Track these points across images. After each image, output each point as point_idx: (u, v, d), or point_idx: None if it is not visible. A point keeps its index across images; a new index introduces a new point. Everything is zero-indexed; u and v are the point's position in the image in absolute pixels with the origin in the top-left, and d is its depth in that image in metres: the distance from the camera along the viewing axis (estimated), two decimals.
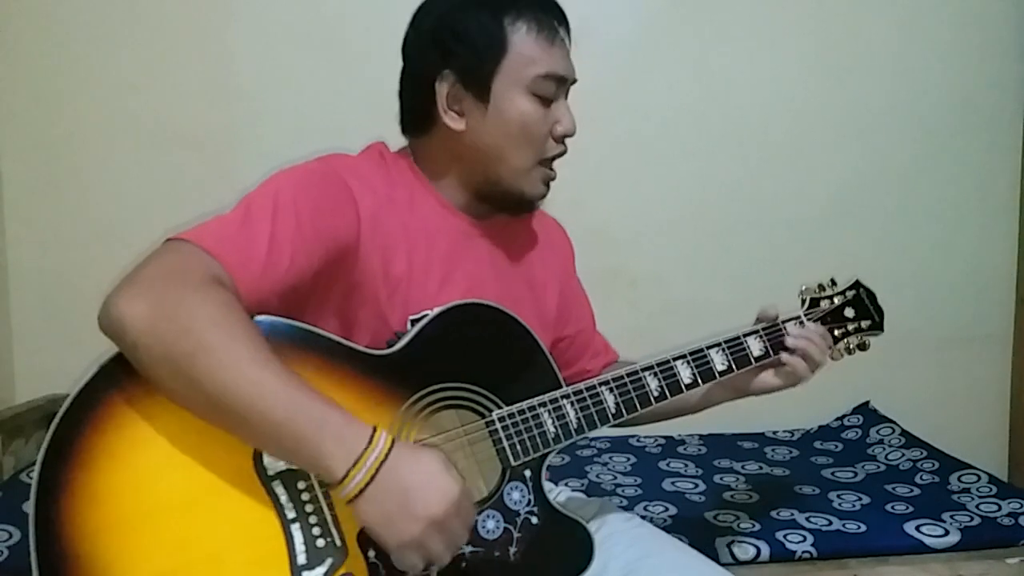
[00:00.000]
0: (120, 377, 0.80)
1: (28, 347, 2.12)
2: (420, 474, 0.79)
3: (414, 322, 0.97)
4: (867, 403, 2.28)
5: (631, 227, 2.25)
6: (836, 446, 2.15)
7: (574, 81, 1.07)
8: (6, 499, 1.56)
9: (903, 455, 2.01)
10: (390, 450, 0.79)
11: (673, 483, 1.83)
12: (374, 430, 0.79)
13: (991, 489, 1.74)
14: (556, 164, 1.09)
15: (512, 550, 0.95)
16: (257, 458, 0.83)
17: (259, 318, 0.85)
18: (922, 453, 1.99)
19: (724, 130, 2.29)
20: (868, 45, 2.30)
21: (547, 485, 1.00)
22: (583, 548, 0.98)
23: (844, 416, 2.27)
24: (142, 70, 2.11)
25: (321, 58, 2.14)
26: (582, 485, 1.80)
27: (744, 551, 1.45)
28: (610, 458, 2.01)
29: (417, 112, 1.07)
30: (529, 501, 0.97)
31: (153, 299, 0.77)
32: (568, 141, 1.08)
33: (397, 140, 1.11)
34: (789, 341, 1.12)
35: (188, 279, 0.80)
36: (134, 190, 2.11)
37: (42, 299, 2.11)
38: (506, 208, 1.10)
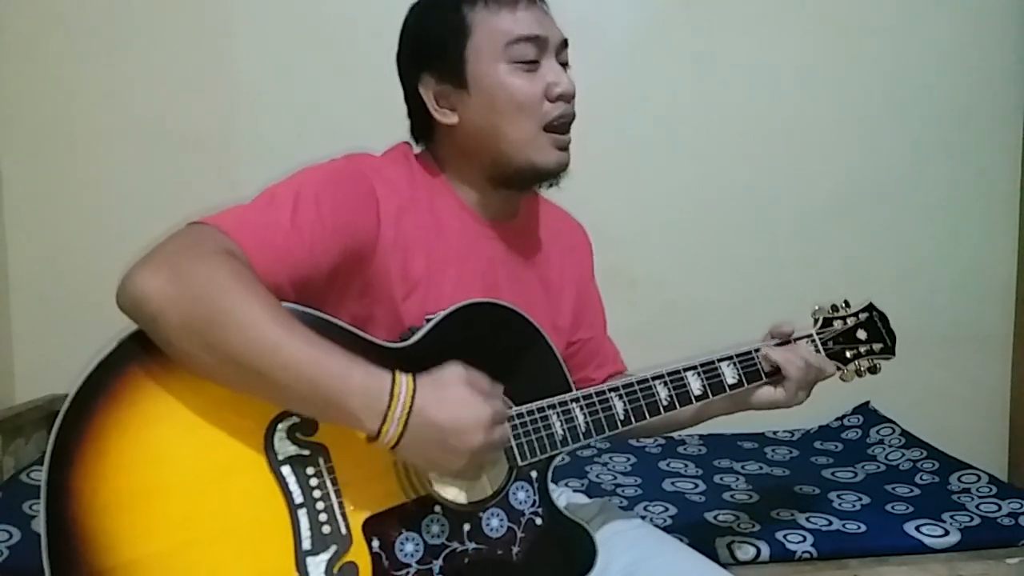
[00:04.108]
0: (136, 353, 0.81)
1: (28, 347, 2.12)
2: (449, 409, 0.81)
3: (429, 320, 0.98)
4: (867, 403, 2.28)
5: (631, 227, 2.25)
6: (836, 446, 2.15)
7: (564, 42, 1.06)
8: (6, 499, 1.56)
9: (903, 455, 2.01)
10: (414, 395, 0.80)
11: (673, 483, 1.83)
12: (393, 378, 0.80)
13: (991, 489, 1.74)
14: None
15: (515, 550, 0.95)
16: (268, 441, 0.84)
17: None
18: (922, 453, 1.99)
19: (724, 130, 2.29)
20: (868, 45, 2.31)
21: (551, 487, 1.00)
22: (585, 553, 0.98)
23: (844, 416, 2.27)
24: (142, 70, 2.11)
25: (321, 58, 2.15)
26: (582, 485, 1.80)
27: (744, 551, 1.45)
28: (610, 458, 2.01)
29: (418, 122, 1.09)
30: (534, 502, 0.98)
31: (169, 271, 0.79)
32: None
33: (396, 141, 1.11)
34: (774, 356, 1.10)
35: (202, 250, 0.81)
36: (134, 190, 2.11)
37: (42, 299, 2.11)
38: (527, 184, 1.08)
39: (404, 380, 0.81)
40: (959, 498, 1.71)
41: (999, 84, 2.34)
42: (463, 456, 0.81)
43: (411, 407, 0.79)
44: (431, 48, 1.03)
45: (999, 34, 2.33)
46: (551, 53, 1.04)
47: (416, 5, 1.08)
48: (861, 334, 1.21)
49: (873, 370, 1.21)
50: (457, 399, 0.82)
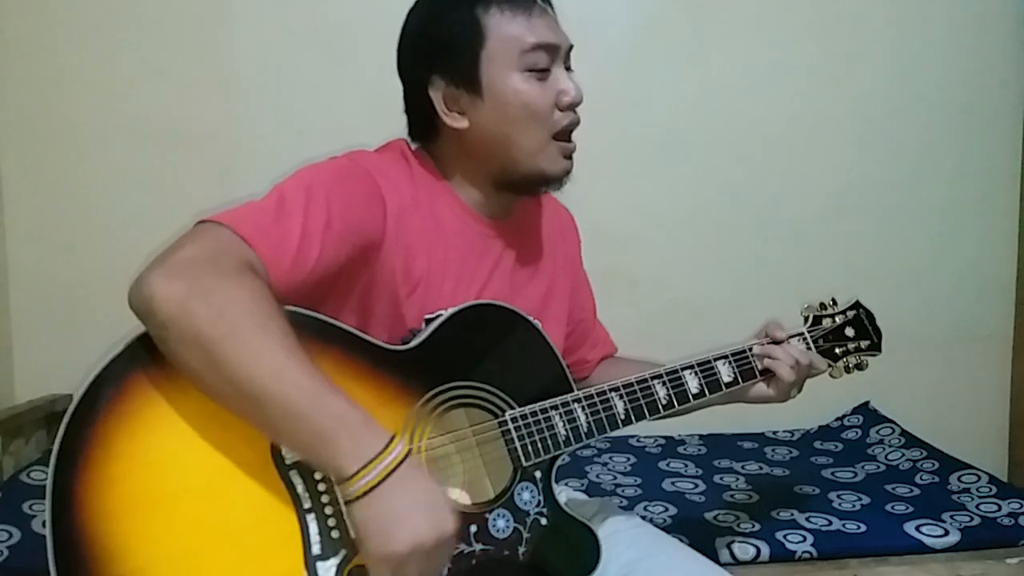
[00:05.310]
0: (144, 357, 0.80)
1: (28, 347, 2.11)
2: (425, 496, 0.79)
3: (428, 321, 0.98)
4: (867, 403, 2.28)
5: (631, 226, 2.25)
6: (836, 446, 2.15)
7: (571, 47, 1.06)
8: (6, 499, 1.56)
9: (903, 455, 2.01)
10: (403, 460, 0.78)
11: (673, 483, 1.83)
12: (392, 438, 0.79)
13: (991, 489, 1.74)
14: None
15: (521, 550, 0.95)
16: (275, 446, 0.83)
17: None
18: (922, 453, 1.99)
19: (724, 130, 2.29)
20: (868, 45, 2.31)
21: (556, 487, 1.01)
22: (590, 551, 0.99)
23: (844, 416, 2.27)
24: (142, 69, 2.11)
25: (321, 58, 2.15)
26: (582, 485, 1.80)
27: (744, 551, 1.45)
28: (610, 458, 2.01)
29: (421, 121, 1.08)
30: (539, 502, 0.98)
31: (189, 281, 0.77)
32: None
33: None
34: (766, 361, 1.12)
35: (225, 264, 0.80)
36: (134, 190, 2.11)
37: (42, 299, 2.11)
38: (531, 190, 1.09)
39: (400, 445, 0.79)
40: (959, 498, 1.72)
41: (999, 84, 2.34)
42: (406, 542, 0.76)
43: (396, 467, 0.77)
44: (443, 50, 1.02)
45: (999, 34, 2.33)
46: (560, 60, 1.04)
47: (425, 3, 1.06)
48: (849, 331, 1.23)
49: (860, 367, 1.23)
50: (436, 494, 0.80)
